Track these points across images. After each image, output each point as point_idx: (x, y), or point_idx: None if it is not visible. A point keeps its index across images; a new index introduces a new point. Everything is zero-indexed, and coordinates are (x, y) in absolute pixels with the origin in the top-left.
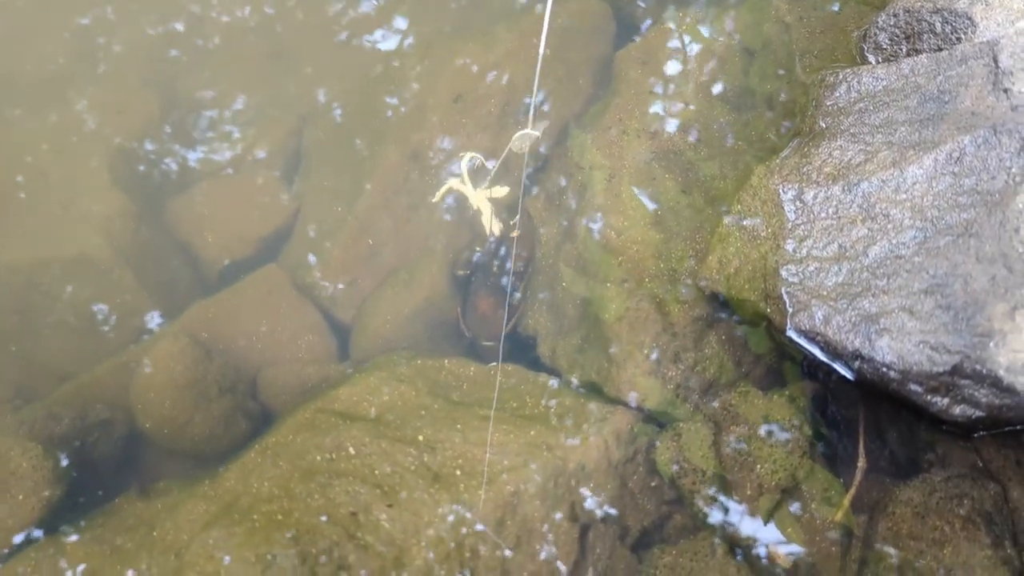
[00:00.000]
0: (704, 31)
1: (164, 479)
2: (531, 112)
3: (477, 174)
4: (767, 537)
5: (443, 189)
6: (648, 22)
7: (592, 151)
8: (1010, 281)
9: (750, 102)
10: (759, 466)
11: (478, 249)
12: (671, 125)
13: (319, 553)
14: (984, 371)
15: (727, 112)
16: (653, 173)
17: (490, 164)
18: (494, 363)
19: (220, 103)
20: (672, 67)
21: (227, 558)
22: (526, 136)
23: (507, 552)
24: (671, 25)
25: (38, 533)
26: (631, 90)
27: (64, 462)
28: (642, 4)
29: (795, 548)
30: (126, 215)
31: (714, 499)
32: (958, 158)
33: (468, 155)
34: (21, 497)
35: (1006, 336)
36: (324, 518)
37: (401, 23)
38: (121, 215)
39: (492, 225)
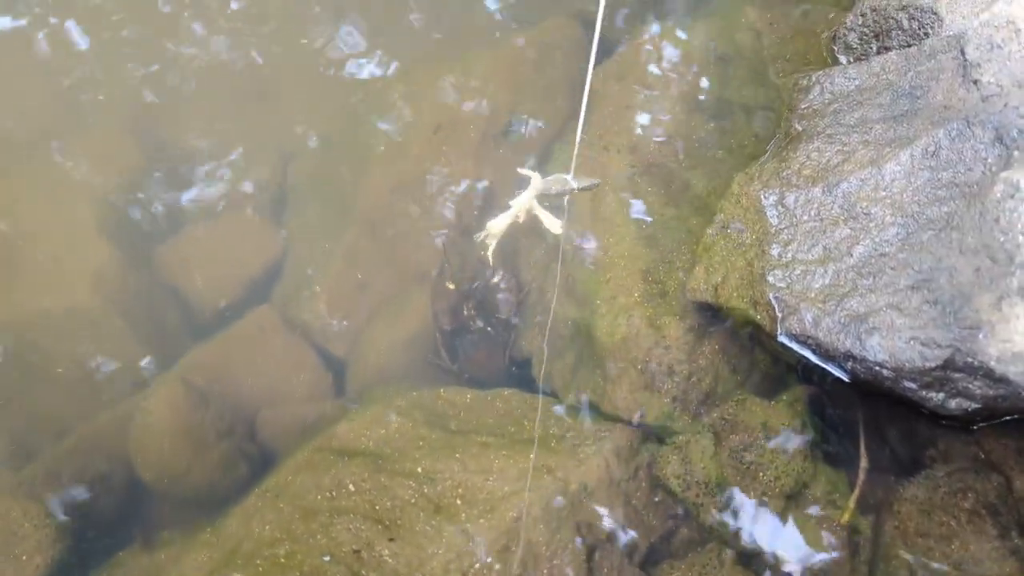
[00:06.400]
0: (677, 45)
1: (167, 529)
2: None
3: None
4: (775, 544)
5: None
6: (622, 39)
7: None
8: (994, 271)
9: (728, 110)
10: (762, 473)
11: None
12: (652, 139)
13: None
14: (976, 363)
15: (706, 122)
16: (637, 187)
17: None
18: (491, 389)
19: (203, 146)
20: (649, 82)
21: None
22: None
23: None
24: (645, 40)
25: None
26: (610, 106)
27: (66, 519)
28: (618, 23)
29: (804, 553)
30: (115, 265)
31: (719, 510)
32: (934, 152)
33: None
34: (25, 558)
35: (995, 327)
36: (327, 558)
37: (380, 55)
38: (110, 265)
39: (552, 224)
